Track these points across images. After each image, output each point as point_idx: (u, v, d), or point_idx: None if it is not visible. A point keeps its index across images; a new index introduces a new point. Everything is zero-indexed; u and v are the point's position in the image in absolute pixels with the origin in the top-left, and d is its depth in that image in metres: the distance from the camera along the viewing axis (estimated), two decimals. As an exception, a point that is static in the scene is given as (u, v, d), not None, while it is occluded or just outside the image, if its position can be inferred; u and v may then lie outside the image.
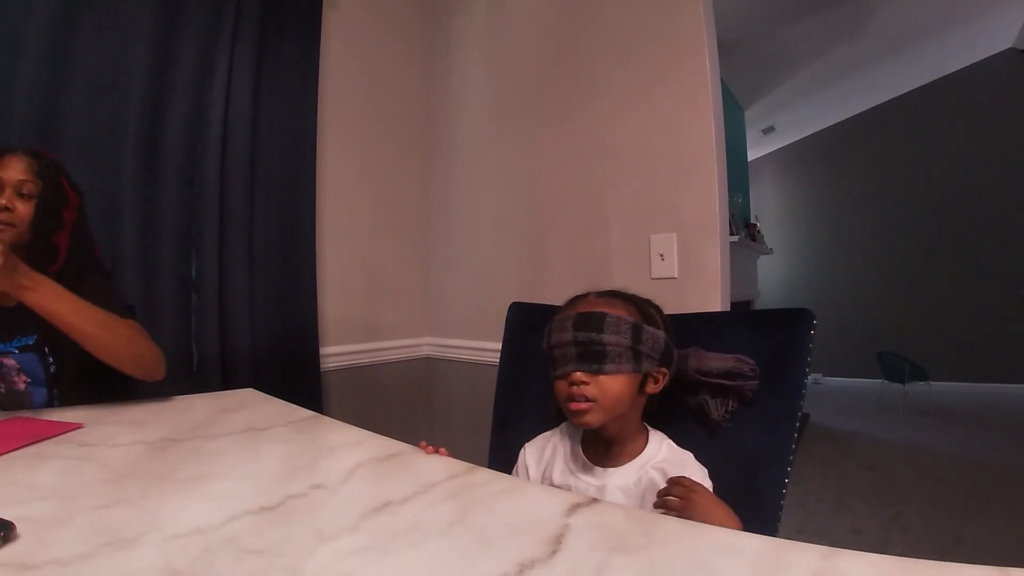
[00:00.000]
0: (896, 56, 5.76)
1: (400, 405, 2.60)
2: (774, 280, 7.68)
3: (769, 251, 5.97)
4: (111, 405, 1.29)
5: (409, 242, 2.68)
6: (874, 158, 6.99)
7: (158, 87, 1.90)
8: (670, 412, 1.14)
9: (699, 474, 1.00)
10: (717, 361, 1.09)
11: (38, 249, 1.35)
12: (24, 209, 1.33)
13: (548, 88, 2.26)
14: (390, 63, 2.64)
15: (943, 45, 5.74)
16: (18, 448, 0.97)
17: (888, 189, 6.88)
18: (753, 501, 1.03)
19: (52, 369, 1.35)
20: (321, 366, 2.25)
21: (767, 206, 7.88)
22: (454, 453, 0.99)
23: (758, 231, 5.57)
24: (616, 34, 2.04)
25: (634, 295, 1.10)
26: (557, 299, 1.95)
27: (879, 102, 6.95)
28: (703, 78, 1.81)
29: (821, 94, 6.38)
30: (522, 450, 1.19)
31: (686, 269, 1.83)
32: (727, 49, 4.18)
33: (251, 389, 1.51)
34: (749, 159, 6.87)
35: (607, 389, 0.98)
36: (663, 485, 0.97)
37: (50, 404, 1.32)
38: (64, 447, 1.00)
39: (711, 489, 0.99)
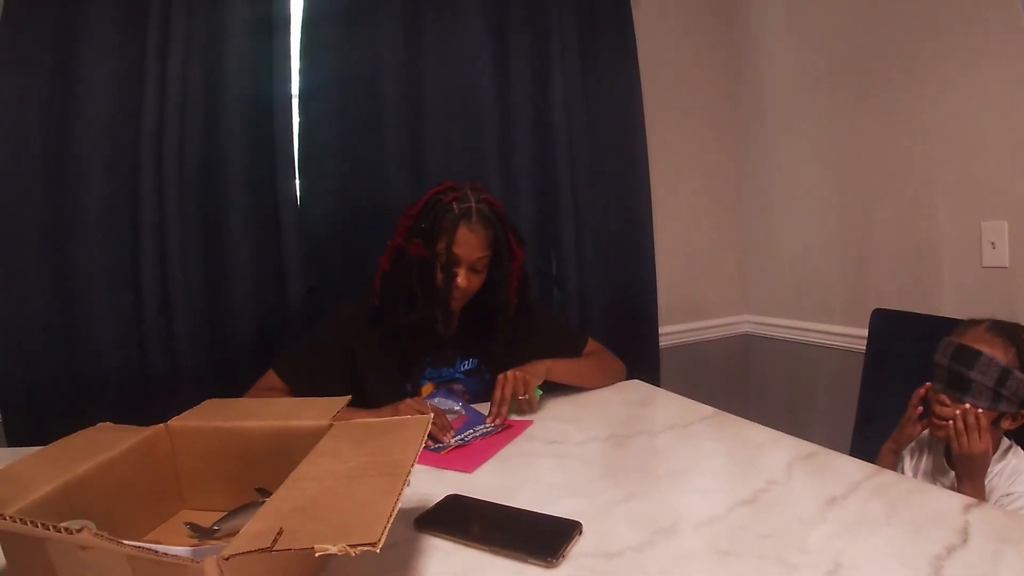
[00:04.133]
0: None
1: (721, 380, 2.77)
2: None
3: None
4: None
5: (726, 223, 2.80)
6: None
7: (504, 109, 2.18)
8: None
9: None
10: None
11: (491, 303, 1.56)
12: (478, 280, 1.50)
13: (862, 64, 2.19)
14: (692, 48, 2.72)
15: None
16: (499, 451, 1.23)
17: None
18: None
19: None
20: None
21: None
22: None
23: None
24: (927, 4, 1.94)
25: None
26: (885, 291, 2.15)
27: None
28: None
29: None
30: None
31: (1018, 258, 1.77)
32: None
33: (637, 380, 1.74)
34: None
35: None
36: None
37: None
38: (534, 445, 1.27)
39: None
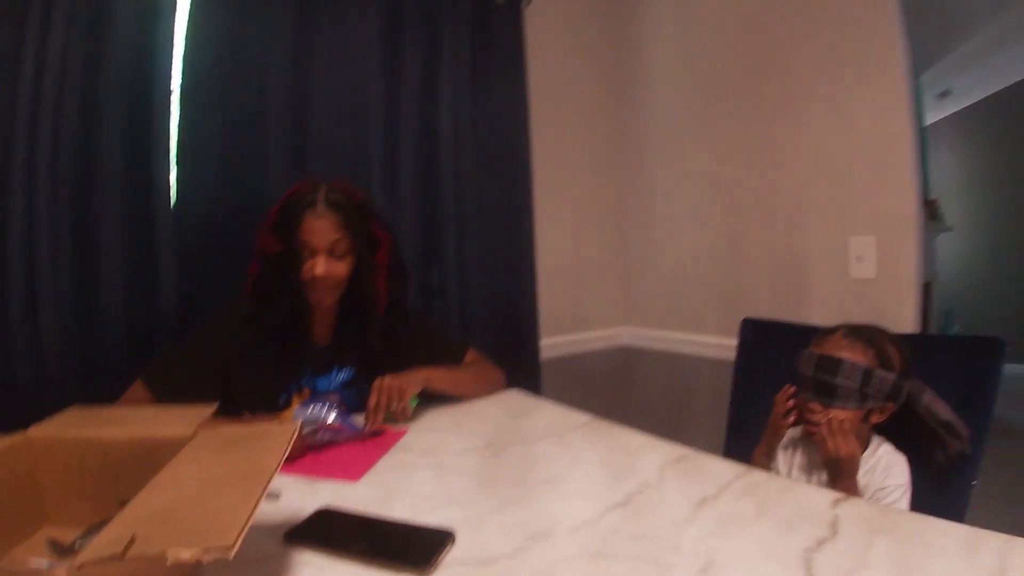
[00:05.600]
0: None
1: (602, 391, 2.79)
2: (954, 257, 6.82)
3: (949, 228, 5.60)
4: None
5: (608, 236, 2.84)
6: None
7: (391, 114, 2.13)
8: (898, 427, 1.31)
9: (899, 466, 1.25)
10: (944, 411, 1.26)
11: (361, 296, 1.52)
12: (341, 267, 1.46)
13: (740, 86, 2.29)
14: (580, 65, 2.76)
15: None
16: (377, 461, 1.20)
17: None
18: (944, 501, 1.23)
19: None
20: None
21: (945, 175, 7.01)
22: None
23: (937, 208, 5.29)
24: (805, 28, 2.06)
25: (879, 335, 1.31)
26: (757, 303, 2.26)
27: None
28: (898, 77, 1.82)
29: (1004, 53, 5.59)
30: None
31: (883, 271, 1.89)
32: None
33: (516, 390, 1.75)
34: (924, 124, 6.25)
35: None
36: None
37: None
38: (410, 455, 1.25)
39: (905, 478, 1.24)
